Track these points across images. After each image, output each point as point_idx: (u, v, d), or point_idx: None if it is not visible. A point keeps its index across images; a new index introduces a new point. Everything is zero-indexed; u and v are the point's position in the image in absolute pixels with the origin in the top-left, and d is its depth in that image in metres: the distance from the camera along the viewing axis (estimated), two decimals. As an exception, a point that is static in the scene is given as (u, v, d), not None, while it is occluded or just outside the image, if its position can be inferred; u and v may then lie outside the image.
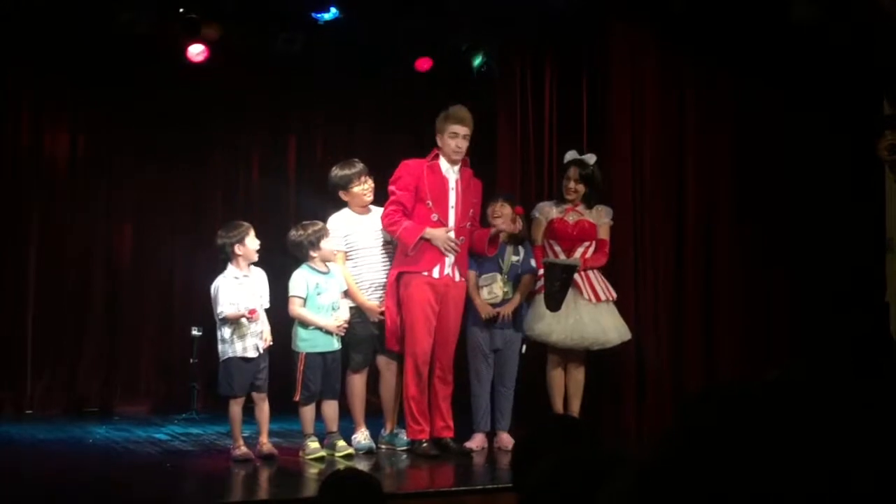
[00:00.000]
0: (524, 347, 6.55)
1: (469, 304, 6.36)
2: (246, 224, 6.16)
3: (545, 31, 7.56)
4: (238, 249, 6.03)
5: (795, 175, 7.23)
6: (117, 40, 7.51)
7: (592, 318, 6.40)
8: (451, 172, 6.23)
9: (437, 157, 6.23)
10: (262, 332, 6.01)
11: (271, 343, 6.06)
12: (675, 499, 1.03)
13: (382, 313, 6.26)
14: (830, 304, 6.97)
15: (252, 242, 6.07)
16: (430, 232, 6.10)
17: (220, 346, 6.03)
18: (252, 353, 5.98)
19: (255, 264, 6.11)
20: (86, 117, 8.04)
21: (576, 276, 6.34)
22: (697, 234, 7.23)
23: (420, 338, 6.09)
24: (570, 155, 6.64)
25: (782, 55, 7.08)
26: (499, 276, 6.41)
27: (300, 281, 6.09)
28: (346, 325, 6.14)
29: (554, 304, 6.24)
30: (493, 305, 6.39)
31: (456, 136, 6.17)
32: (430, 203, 6.14)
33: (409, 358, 6.13)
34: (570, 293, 6.31)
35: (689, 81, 7.29)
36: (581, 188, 6.51)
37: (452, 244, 6.12)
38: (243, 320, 5.93)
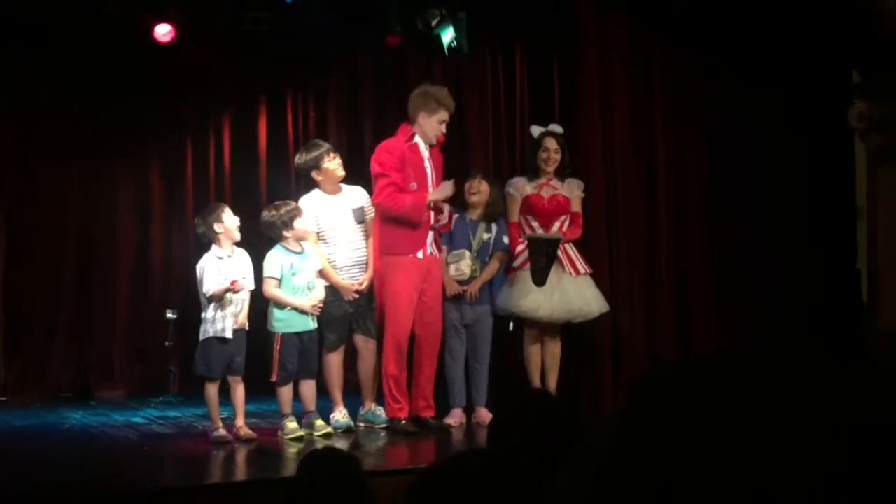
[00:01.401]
0: (511, 325, 6.57)
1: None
2: (220, 203, 6.19)
3: (516, 8, 7.54)
4: (218, 228, 6.02)
5: (767, 145, 7.27)
6: (85, 20, 7.41)
7: (576, 290, 6.45)
8: (425, 150, 6.23)
9: (412, 136, 6.21)
10: (238, 313, 6.00)
11: (245, 325, 6.04)
12: (633, 488, 1.01)
13: (357, 292, 6.25)
14: (804, 272, 7.04)
15: (230, 219, 6.07)
16: (433, 194, 6.11)
17: (202, 326, 6.01)
18: (229, 335, 5.96)
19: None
20: (53, 98, 7.93)
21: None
22: (669, 205, 7.27)
23: (402, 317, 6.09)
24: (537, 129, 6.67)
25: (752, 27, 7.09)
26: (467, 253, 6.43)
27: (274, 262, 6.07)
28: (321, 305, 6.13)
29: (540, 278, 6.27)
30: (461, 283, 6.40)
31: (443, 123, 6.18)
32: (415, 185, 6.14)
33: (390, 337, 6.13)
34: (553, 268, 6.34)
35: (659, 56, 7.31)
36: (559, 156, 6.53)
37: (451, 186, 6.16)
38: (228, 294, 5.91)
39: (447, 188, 6.15)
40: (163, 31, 7.49)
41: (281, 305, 6.05)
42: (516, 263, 6.49)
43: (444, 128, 6.19)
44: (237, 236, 6.10)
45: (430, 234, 6.19)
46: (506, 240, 6.50)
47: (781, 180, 7.22)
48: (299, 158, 6.45)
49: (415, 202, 6.07)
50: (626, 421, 1.06)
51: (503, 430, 2.42)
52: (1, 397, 7.78)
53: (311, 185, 6.43)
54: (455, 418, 6.37)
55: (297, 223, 6.10)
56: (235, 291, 5.94)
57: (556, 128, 6.66)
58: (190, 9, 7.46)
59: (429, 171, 6.23)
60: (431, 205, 6.12)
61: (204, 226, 6.07)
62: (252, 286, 6.11)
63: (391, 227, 6.12)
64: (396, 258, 6.12)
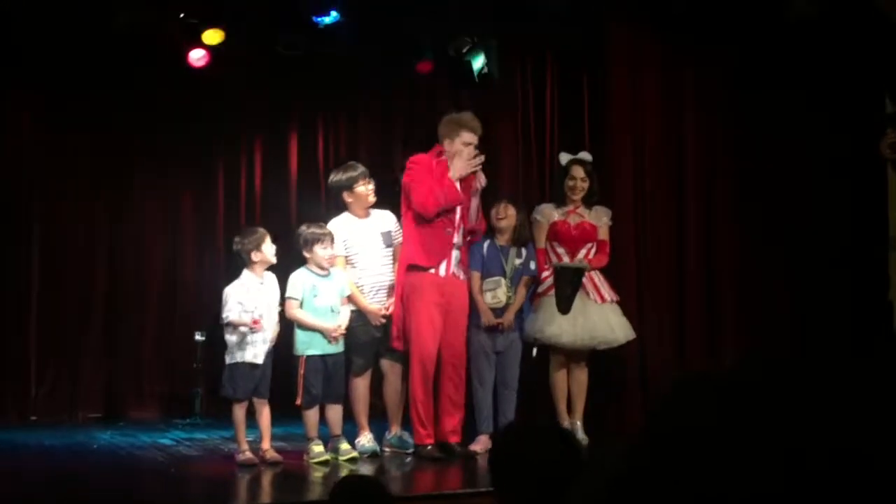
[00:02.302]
0: (535, 351, 6.55)
1: (472, 306, 6.35)
2: (262, 230, 6.17)
3: (545, 33, 7.57)
4: (255, 256, 6.04)
5: (798, 175, 7.23)
6: (119, 42, 7.50)
7: (601, 317, 6.43)
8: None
9: (441, 153, 6.23)
10: (269, 339, 6.02)
11: (273, 342, 6.06)
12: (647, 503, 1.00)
13: (385, 317, 6.26)
14: (835, 304, 6.97)
15: (269, 248, 6.08)
16: (452, 171, 6.08)
17: (228, 349, 6.03)
18: (260, 360, 5.98)
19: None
20: (89, 119, 8.03)
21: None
22: (699, 233, 7.24)
23: (426, 340, 6.08)
24: (566, 156, 6.67)
25: (784, 54, 7.08)
26: (503, 281, 6.40)
27: (297, 283, 6.09)
28: (343, 332, 6.12)
29: (565, 307, 6.25)
30: (496, 310, 6.38)
31: (469, 145, 6.18)
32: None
33: (415, 361, 6.12)
34: (577, 295, 6.32)
35: (690, 81, 7.30)
36: (586, 185, 6.53)
37: (474, 158, 6.10)
38: (245, 328, 5.93)
39: (468, 163, 6.09)
40: (197, 56, 7.58)
41: (303, 327, 6.07)
42: (541, 289, 6.48)
43: (471, 150, 6.18)
44: (273, 262, 6.12)
45: (455, 253, 6.17)
46: (533, 265, 6.50)
47: (814, 210, 7.16)
48: (334, 177, 6.47)
49: (446, 194, 6.04)
50: (641, 439, 1.05)
51: (501, 461, 2.40)
52: (31, 416, 7.84)
53: (341, 207, 6.46)
54: (480, 444, 6.34)
55: (317, 248, 6.09)
56: (254, 331, 5.95)
57: (585, 156, 6.66)
58: (224, 34, 7.52)
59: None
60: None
61: (241, 248, 6.09)
62: (278, 310, 6.12)
63: (416, 238, 6.14)
64: (418, 277, 6.10)
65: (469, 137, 6.19)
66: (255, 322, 5.93)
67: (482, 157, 6.17)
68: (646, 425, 1.05)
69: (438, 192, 6.04)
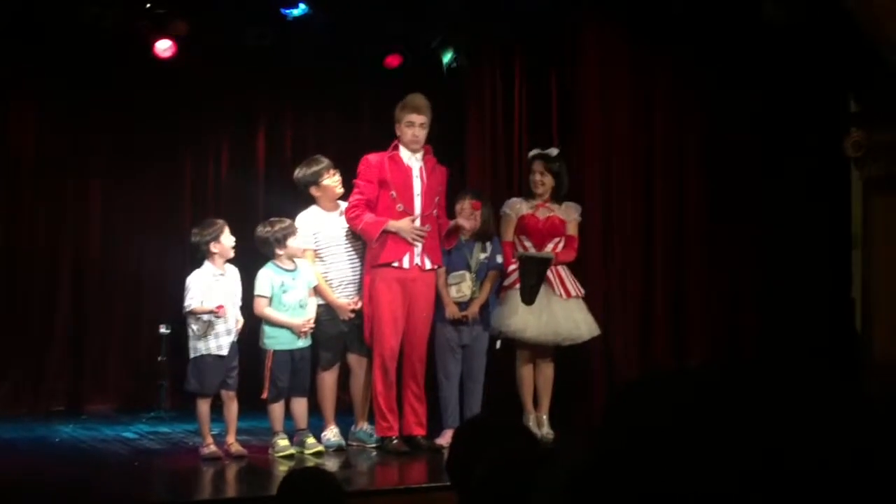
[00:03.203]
0: (499, 343, 6.56)
1: (438, 301, 6.35)
2: (221, 221, 6.15)
3: (515, 27, 7.57)
4: (214, 247, 6.01)
5: (764, 172, 7.29)
6: (84, 35, 7.43)
7: (565, 313, 6.44)
8: (413, 161, 6.21)
9: (396, 147, 6.22)
10: (233, 330, 6.00)
11: (237, 334, 6.03)
12: (607, 500, 1.00)
13: (353, 311, 6.24)
14: (799, 300, 7.04)
15: (227, 240, 6.05)
16: (394, 224, 6.07)
17: (190, 343, 5.99)
18: (225, 352, 5.95)
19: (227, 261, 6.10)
20: (52, 113, 7.94)
21: (547, 272, 6.37)
22: (667, 230, 7.28)
23: (387, 335, 6.07)
24: (534, 152, 6.69)
25: (752, 53, 7.13)
26: (467, 275, 6.41)
27: (265, 280, 6.06)
28: (312, 327, 6.11)
29: (529, 297, 6.26)
30: (461, 304, 6.39)
31: (412, 125, 6.15)
32: (395, 193, 6.13)
33: (376, 355, 6.13)
34: (542, 289, 6.33)
35: (660, 78, 7.34)
36: (548, 181, 6.53)
37: (418, 233, 6.10)
38: (210, 317, 5.90)
39: (406, 231, 6.07)
40: (163, 47, 7.51)
41: (272, 324, 6.05)
42: (507, 282, 6.49)
43: (415, 131, 6.14)
44: (231, 255, 6.09)
45: (419, 244, 6.16)
46: (500, 259, 6.50)
47: (778, 207, 7.23)
48: (299, 172, 6.44)
49: (371, 223, 6.05)
50: (601, 436, 1.05)
51: (459, 455, 2.39)
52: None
53: (310, 200, 6.43)
54: (446, 438, 6.33)
55: (290, 241, 6.09)
56: (218, 317, 5.92)
57: (551, 151, 6.66)
58: (190, 25, 7.47)
59: (416, 185, 6.19)
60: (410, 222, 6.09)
61: (200, 239, 6.06)
62: (240, 303, 6.10)
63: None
64: (381, 272, 6.08)
65: (412, 117, 6.16)
66: (219, 307, 5.89)
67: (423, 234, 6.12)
68: (604, 421, 1.05)
69: (364, 225, 6.06)
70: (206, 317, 5.91)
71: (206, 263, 6.05)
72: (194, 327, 5.96)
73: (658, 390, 1.04)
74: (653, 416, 1.00)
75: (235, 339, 6.03)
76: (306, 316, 6.09)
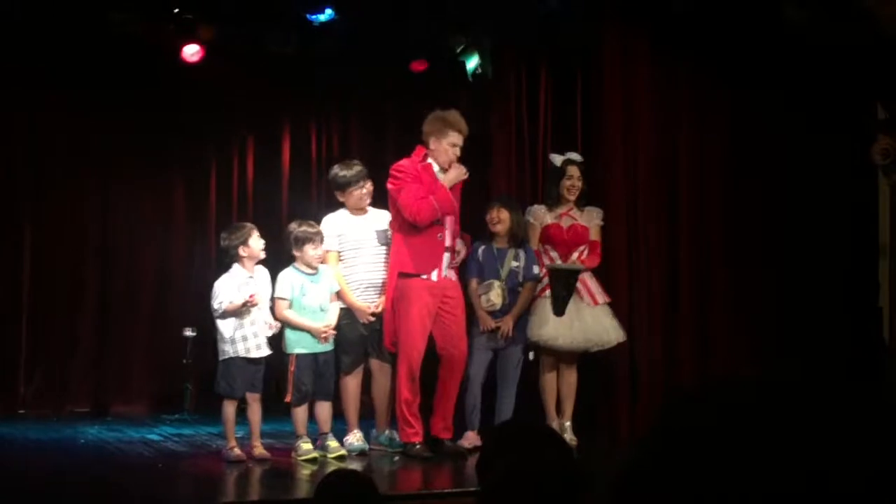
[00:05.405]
0: (531, 354, 6.53)
1: (471, 310, 6.34)
2: (249, 225, 6.18)
3: (540, 35, 7.56)
4: (243, 251, 6.03)
5: (790, 179, 7.24)
6: (113, 40, 7.49)
7: (595, 320, 6.44)
8: (440, 174, 6.19)
9: (425, 157, 6.20)
10: (261, 334, 6.00)
11: (276, 330, 6.05)
12: (658, 500, 1.00)
13: (373, 314, 6.24)
14: (824, 308, 6.99)
15: (256, 243, 6.07)
16: (443, 179, 6.06)
17: (220, 346, 6.01)
18: (255, 354, 5.97)
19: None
20: (80, 117, 8.01)
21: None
22: (691, 236, 7.24)
23: (416, 342, 6.04)
24: (558, 157, 6.67)
25: (777, 59, 7.09)
26: (496, 283, 6.37)
27: (285, 283, 6.08)
28: (333, 332, 6.11)
29: (560, 309, 6.25)
30: (492, 313, 6.37)
31: (455, 146, 6.15)
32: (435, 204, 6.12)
33: (403, 362, 6.09)
34: (571, 298, 6.32)
35: (683, 84, 7.30)
36: (580, 185, 6.53)
37: (462, 169, 6.10)
38: (242, 309, 5.89)
39: (460, 172, 6.09)
40: (191, 52, 7.57)
41: (293, 326, 6.06)
42: (536, 291, 6.48)
43: (457, 151, 6.14)
44: (261, 257, 6.12)
45: (446, 255, 6.14)
46: (536, 269, 6.45)
47: (805, 215, 7.18)
48: (334, 172, 6.43)
49: (436, 201, 5.99)
50: (663, 439, 1.05)
51: (488, 462, 2.38)
52: (19, 410, 7.81)
53: (337, 202, 6.45)
54: (468, 440, 6.33)
55: (307, 248, 6.08)
56: (253, 305, 5.93)
57: (577, 156, 6.68)
58: (218, 30, 7.52)
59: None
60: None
61: (229, 244, 6.08)
62: (269, 304, 6.11)
63: (406, 246, 6.10)
64: (410, 281, 6.06)
65: (456, 139, 6.14)
66: (252, 296, 5.90)
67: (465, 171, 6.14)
68: (654, 424, 1.06)
69: (432, 201, 6.01)
70: (238, 310, 5.88)
71: (235, 266, 6.06)
72: (227, 329, 5.97)
73: (717, 397, 1.05)
74: (710, 420, 1.01)
75: (266, 342, 6.04)
76: (326, 320, 6.10)
